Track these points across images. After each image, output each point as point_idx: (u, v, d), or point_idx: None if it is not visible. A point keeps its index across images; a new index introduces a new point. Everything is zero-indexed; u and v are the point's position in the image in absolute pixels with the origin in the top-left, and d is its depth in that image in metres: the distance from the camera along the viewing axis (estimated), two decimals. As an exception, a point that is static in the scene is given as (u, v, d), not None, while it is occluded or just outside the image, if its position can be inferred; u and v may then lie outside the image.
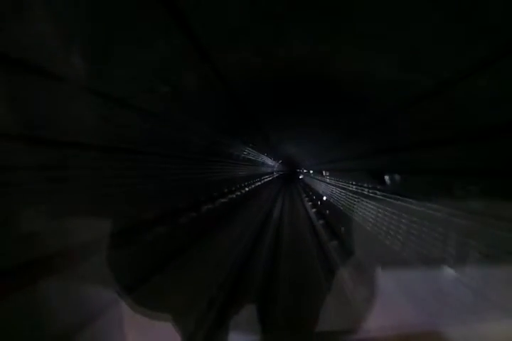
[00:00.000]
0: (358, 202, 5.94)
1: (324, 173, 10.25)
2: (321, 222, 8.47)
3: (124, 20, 1.34)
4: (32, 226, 1.37)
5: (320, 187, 11.98)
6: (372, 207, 4.94)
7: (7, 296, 1.25)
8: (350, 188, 6.63)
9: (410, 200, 3.36)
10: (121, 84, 1.82)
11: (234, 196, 7.44)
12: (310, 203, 12.27)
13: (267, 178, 17.88)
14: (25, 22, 1.07)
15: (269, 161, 15.60)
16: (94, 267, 1.82)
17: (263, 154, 11.11)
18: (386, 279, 3.01)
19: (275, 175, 23.06)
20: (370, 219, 4.89)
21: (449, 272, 2.37)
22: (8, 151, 1.27)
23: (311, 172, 16.01)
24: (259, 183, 13.73)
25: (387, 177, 4.11)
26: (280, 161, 20.44)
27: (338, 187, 8.13)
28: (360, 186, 5.79)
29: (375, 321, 2.36)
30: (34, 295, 1.36)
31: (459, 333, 1.63)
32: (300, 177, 23.69)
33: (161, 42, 1.62)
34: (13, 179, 1.30)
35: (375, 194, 4.83)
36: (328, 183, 9.79)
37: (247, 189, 9.83)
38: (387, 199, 4.17)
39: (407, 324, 2.08)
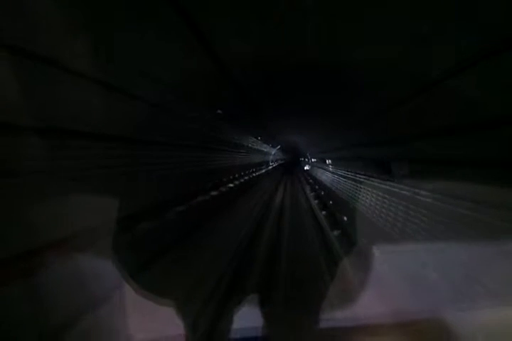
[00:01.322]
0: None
1: (399, 169, 3.65)
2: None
3: (128, 12, 1.37)
4: (34, 214, 1.39)
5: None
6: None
7: (9, 281, 1.27)
8: None
9: (411, 189, 3.37)
10: (125, 75, 1.82)
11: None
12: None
13: (257, 172, 11.79)
14: (31, 15, 1.10)
15: (264, 147, 11.92)
16: (95, 253, 1.85)
17: (253, 136, 8.44)
18: (383, 265, 3.06)
19: (271, 165, 17.46)
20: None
21: (446, 259, 2.41)
22: (11, 141, 1.27)
23: (329, 161, 8.93)
24: (235, 183, 7.52)
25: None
26: (278, 147, 15.82)
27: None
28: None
29: (372, 308, 2.41)
30: (36, 281, 1.38)
31: (456, 320, 1.67)
32: (306, 168, 17.77)
33: (163, 32, 1.63)
34: (16, 168, 1.32)
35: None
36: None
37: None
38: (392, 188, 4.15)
39: (403, 310, 2.12)
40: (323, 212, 7.68)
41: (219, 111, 3.96)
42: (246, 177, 9.41)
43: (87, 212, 1.81)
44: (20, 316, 1.32)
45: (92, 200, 1.84)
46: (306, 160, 17.45)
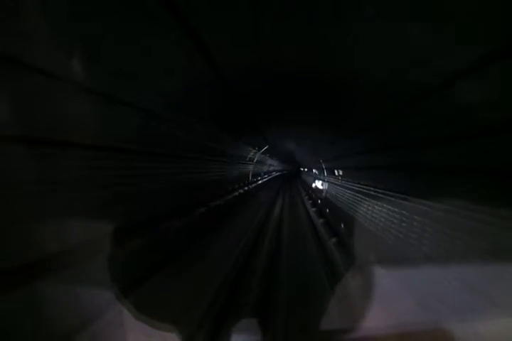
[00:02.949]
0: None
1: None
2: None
3: (125, 20, 1.37)
4: (32, 227, 1.37)
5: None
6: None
7: (8, 296, 1.24)
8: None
9: (412, 198, 3.36)
10: (121, 84, 1.82)
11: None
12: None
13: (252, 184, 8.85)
14: (26, 23, 1.09)
15: (261, 157, 9.27)
16: (92, 268, 1.81)
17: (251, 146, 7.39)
18: (387, 276, 3.02)
19: (264, 177, 11.82)
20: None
21: (449, 270, 2.38)
22: (7, 152, 1.26)
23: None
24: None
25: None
26: (266, 147, 9.09)
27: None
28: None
29: (376, 319, 2.37)
30: (35, 296, 1.35)
31: (460, 331, 1.64)
32: (317, 185, 10.52)
33: (161, 41, 1.63)
34: (13, 180, 1.30)
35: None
36: None
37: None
38: (388, 198, 4.13)
39: (407, 322, 2.09)
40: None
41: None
42: (240, 191, 7.83)
43: (82, 226, 1.78)
44: (18, 327, 1.29)
45: (87, 214, 1.78)
46: (315, 172, 10.77)
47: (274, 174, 15.94)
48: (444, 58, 1.59)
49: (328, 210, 7.45)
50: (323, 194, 8.56)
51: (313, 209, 8.36)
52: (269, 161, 12.60)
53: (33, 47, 1.17)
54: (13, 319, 1.27)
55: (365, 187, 4.94)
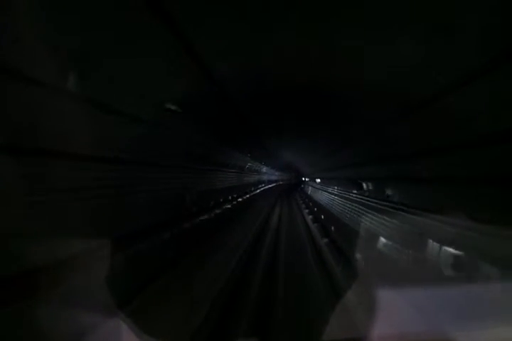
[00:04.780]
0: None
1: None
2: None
3: (119, 30, 1.39)
4: (26, 239, 1.37)
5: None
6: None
7: (5, 308, 1.23)
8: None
9: (410, 210, 3.33)
10: (116, 94, 1.83)
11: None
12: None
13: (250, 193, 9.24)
14: (23, 35, 1.10)
15: (260, 166, 9.10)
16: (87, 278, 1.79)
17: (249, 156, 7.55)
18: (388, 287, 2.97)
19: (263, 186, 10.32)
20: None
21: (449, 277, 2.35)
22: (0, 162, 1.26)
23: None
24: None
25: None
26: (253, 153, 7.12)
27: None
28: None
29: (377, 328, 2.33)
30: (32, 307, 1.35)
31: (461, 340, 1.62)
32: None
33: (156, 50, 1.66)
34: (8, 191, 1.30)
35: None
36: None
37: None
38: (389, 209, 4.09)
39: (408, 331, 2.06)
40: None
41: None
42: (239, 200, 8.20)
43: (76, 237, 1.76)
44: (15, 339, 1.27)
45: (81, 224, 1.79)
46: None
47: (279, 182, 12.54)
48: (443, 67, 1.63)
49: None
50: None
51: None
52: (277, 173, 10.59)
53: (26, 56, 1.18)
54: (10, 330, 1.26)
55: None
